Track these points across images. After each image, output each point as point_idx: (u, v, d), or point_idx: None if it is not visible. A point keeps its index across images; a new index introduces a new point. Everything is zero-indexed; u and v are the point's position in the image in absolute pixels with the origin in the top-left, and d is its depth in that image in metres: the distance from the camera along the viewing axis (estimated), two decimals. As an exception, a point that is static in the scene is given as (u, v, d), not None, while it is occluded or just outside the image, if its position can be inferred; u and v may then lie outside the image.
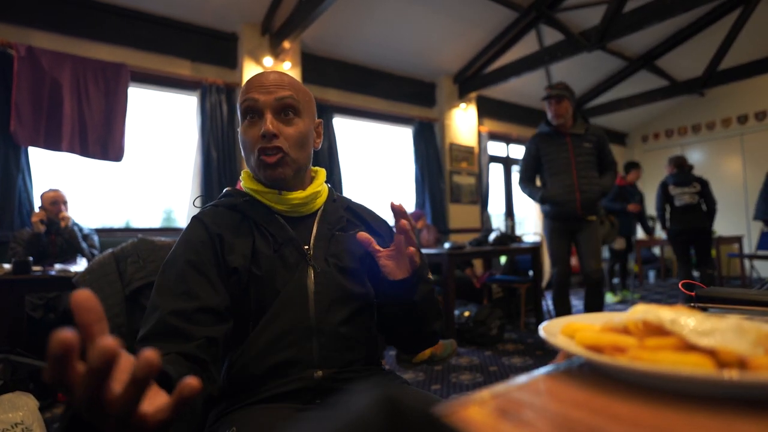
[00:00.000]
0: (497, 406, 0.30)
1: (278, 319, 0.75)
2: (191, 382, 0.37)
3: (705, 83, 5.26)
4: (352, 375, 0.76)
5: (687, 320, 0.34)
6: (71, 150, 3.01)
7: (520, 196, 6.05)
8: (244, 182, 0.85)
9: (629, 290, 5.19)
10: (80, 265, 2.28)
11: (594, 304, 2.75)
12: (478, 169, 5.39)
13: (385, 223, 0.97)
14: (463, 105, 5.19)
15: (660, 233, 5.84)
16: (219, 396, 0.72)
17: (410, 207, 4.97)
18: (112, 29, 3.27)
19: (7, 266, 2.13)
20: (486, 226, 5.34)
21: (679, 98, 6.27)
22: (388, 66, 4.73)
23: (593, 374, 0.35)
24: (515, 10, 4.35)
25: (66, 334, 0.31)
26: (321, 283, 0.79)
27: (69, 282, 1.93)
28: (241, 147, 0.82)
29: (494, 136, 5.69)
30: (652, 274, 6.59)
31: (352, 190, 4.54)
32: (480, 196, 5.40)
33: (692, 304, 0.62)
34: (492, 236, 3.68)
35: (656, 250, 6.78)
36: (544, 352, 3.00)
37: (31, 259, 2.16)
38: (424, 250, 3.41)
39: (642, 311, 0.36)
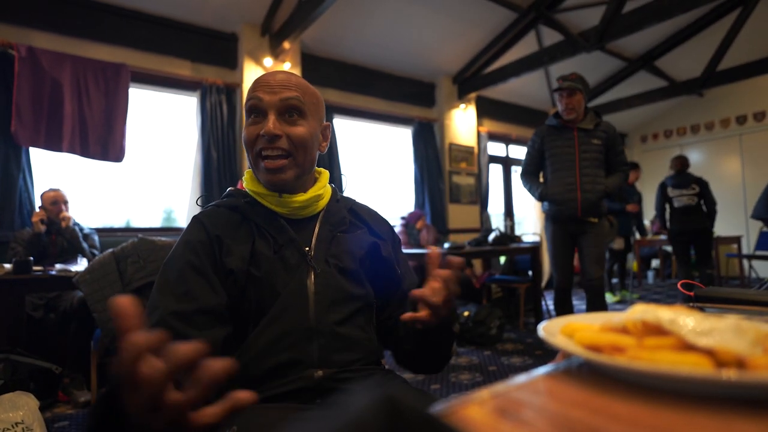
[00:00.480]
0: (497, 405, 0.30)
1: (278, 320, 0.75)
2: (246, 396, 0.39)
3: (704, 84, 5.26)
4: (352, 375, 0.76)
5: (686, 320, 0.34)
6: (71, 150, 3.01)
7: (519, 197, 6.06)
8: (246, 183, 0.85)
9: (628, 290, 5.19)
10: (81, 265, 2.28)
11: (596, 311, 2.66)
12: (478, 169, 5.40)
13: (387, 224, 0.96)
14: (462, 105, 5.19)
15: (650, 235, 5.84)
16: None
17: (410, 207, 4.97)
18: (112, 29, 3.27)
19: (7, 266, 2.12)
20: (485, 226, 5.34)
21: (678, 99, 6.28)
22: (388, 66, 4.74)
23: (592, 374, 0.36)
24: (514, 11, 4.35)
25: (143, 335, 0.34)
26: (321, 283, 0.78)
27: (69, 282, 1.93)
28: (243, 145, 0.82)
29: (493, 137, 5.69)
30: (651, 274, 6.59)
31: (351, 191, 4.53)
32: (479, 197, 5.40)
33: (691, 304, 0.62)
34: (491, 236, 3.68)
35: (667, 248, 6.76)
36: (544, 352, 3.00)
37: (31, 259, 2.16)
38: (423, 251, 3.41)
39: (641, 311, 0.36)
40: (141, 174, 3.69)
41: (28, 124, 2.86)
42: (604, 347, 0.35)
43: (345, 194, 0.98)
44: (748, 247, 6.10)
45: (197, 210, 0.86)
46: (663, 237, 5.58)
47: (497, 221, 5.83)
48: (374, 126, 4.87)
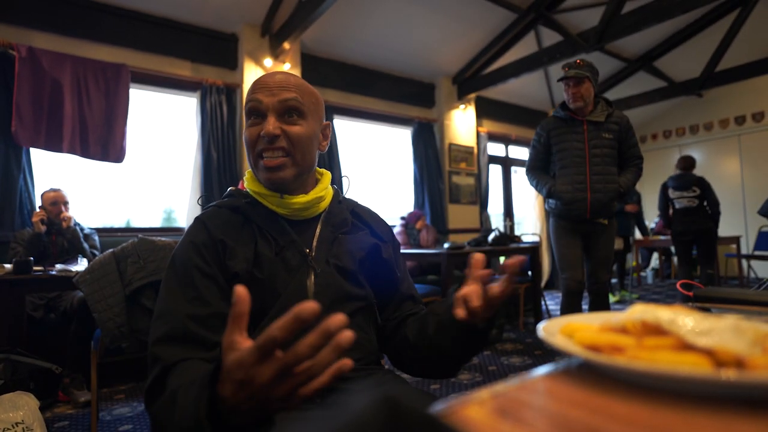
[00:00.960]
0: (496, 405, 0.30)
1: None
2: (347, 363, 0.42)
3: (703, 84, 5.27)
4: (352, 375, 0.76)
5: (685, 320, 0.34)
6: (72, 151, 3.01)
7: (519, 197, 6.06)
8: (247, 183, 0.85)
9: (627, 290, 5.19)
10: (81, 265, 2.28)
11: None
12: (477, 169, 5.40)
13: (387, 227, 0.97)
14: (462, 106, 5.20)
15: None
16: None
17: (409, 207, 4.97)
18: (112, 30, 3.27)
19: (7, 266, 2.12)
20: (485, 226, 5.34)
21: (677, 99, 6.28)
22: (388, 67, 4.74)
23: (592, 374, 0.36)
24: (514, 12, 4.35)
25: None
26: (320, 283, 0.79)
27: (69, 282, 1.93)
28: (245, 146, 0.82)
29: (493, 137, 5.69)
30: (650, 274, 6.59)
31: (351, 191, 4.53)
32: (479, 197, 5.40)
33: (693, 304, 0.62)
34: (491, 236, 3.68)
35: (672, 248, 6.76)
36: (543, 352, 3.00)
37: (31, 259, 2.16)
38: (423, 251, 3.42)
39: (640, 311, 0.37)
40: (141, 174, 3.69)
41: (29, 125, 2.86)
42: (604, 347, 0.35)
43: (346, 196, 0.98)
44: (747, 247, 6.10)
45: (197, 210, 0.87)
46: (662, 237, 5.59)
47: (497, 221, 5.83)
48: (374, 126, 4.87)
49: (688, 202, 3.99)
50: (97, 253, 2.78)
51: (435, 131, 5.09)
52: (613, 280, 5.18)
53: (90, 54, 3.17)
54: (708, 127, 6.75)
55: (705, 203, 3.99)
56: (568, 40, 4.17)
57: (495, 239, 3.65)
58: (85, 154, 3.07)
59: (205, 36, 3.68)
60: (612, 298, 4.91)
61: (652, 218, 6.53)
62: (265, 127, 0.76)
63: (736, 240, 5.57)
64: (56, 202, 2.71)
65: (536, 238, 4.94)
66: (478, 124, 5.46)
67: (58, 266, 2.27)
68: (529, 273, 3.92)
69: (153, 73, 3.42)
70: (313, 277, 0.79)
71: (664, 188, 4.18)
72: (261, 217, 0.81)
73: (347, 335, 0.41)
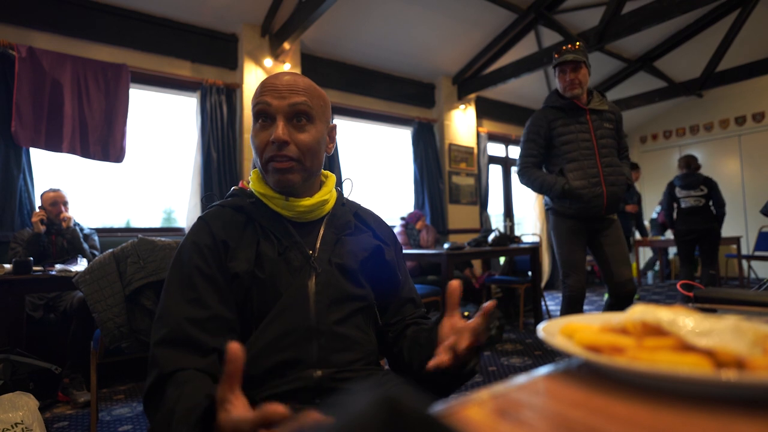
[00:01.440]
0: (496, 406, 0.30)
1: (279, 320, 0.75)
2: (278, 410, 0.44)
3: (703, 84, 5.27)
4: (352, 375, 0.76)
5: (685, 321, 0.34)
6: (72, 151, 3.01)
7: (519, 197, 6.06)
8: (253, 183, 0.85)
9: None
10: (81, 265, 2.28)
11: None
12: (477, 169, 5.40)
13: (390, 230, 0.97)
14: (462, 106, 5.20)
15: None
16: None
17: (409, 207, 4.97)
18: (112, 30, 3.27)
19: (7, 266, 2.12)
20: (485, 226, 5.34)
21: (677, 99, 6.28)
22: (387, 67, 4.74)
23: (592, 374, 0.36)
24: (514, 12, 4.36)
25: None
26: (321, 283, 0.79)
27: (69, 282, 1.93)
28: (252, 148, 0.82)
29: (493, 137, 5.70)
30: (650, 275, 6.59)
31: (352, 192, 4.53)
32: (479, 197, 5.41)
33: (690, 305, 0.62)
34: (491, 237, 3.69)
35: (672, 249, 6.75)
36: (543, 352, 3.00)
37: (31, 259, 2.16)
38: (423, 251, 3.42)
39: (640, 312, 0.37)
40: (141, 174, 3.69)
41: (29, 125, 2.86)
42: (604, 348, 0.35)
43: (349, 198, 0.98)
44: (747, 247, 6.10)
45: (197, 210, 0.87)
46: (662, 238, 5.59)
47: (497, 222, 5.83)
48: (374, 126, 4.88)
49: (694, 201, 3.99)
50: (96, 253, 2.78)
51: (435, 131, 5.10)
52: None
53: (90, 54, 3.17)
54: (708, 127, 6.75)
55: (710, 203, 3.99)
56: (568, 40, 4.17)
57: (495, 239, 3.66)
58: (85, 154, 3.07)
59: (205, 36, 3.68)
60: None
61: (650, 218, 6.52)
62: (274, 133, 0.76)
63: (736, 240, 5.57)
64: (56, 202, 2.71)
65: (536, 239, 4.94)
66: (478, 125, 5.46)
67: (58, 266, 2.27)
68: (529, 273, 3.92)
69: (153, 73, 3.42)
70: (314, 277, 0.79)
71: (671, 187, 4.18)
72: (265, 217, 0.82)
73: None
